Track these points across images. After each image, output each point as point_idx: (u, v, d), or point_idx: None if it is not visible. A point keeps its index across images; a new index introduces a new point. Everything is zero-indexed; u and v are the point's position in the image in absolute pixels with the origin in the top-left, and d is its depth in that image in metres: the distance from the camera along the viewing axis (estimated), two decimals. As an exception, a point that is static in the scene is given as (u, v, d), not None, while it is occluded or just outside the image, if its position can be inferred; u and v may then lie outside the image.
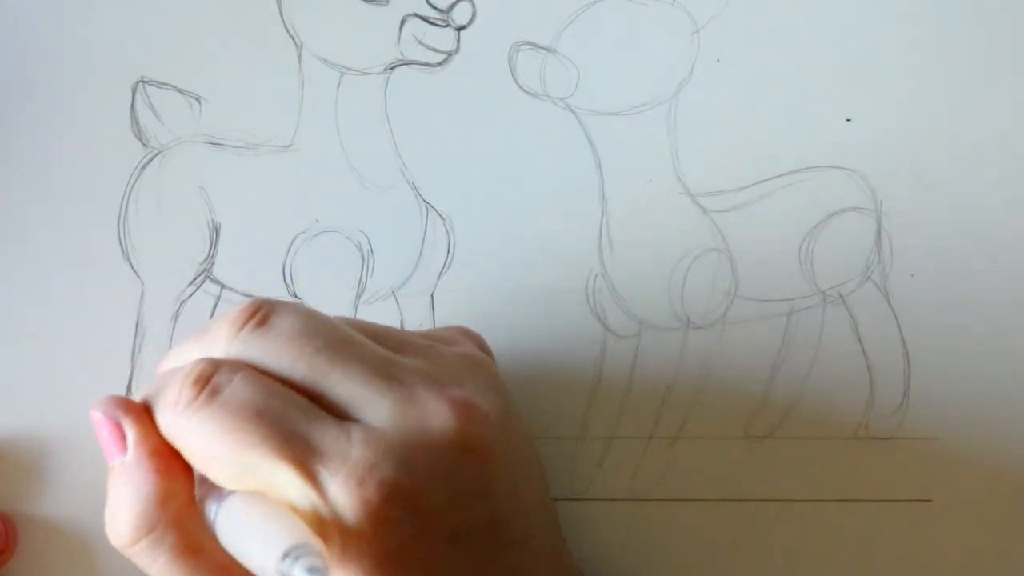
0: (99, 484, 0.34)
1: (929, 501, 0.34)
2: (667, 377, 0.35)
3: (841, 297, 0.35)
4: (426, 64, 0.36)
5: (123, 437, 0.26)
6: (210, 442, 0.25)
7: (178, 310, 0.35)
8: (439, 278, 0.35)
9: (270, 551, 0.23)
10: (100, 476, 0.34)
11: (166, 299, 0.35)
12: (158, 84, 0.36)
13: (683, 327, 0.35)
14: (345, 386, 0.26)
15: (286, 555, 0.22)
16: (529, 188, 0.35)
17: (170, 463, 0.26)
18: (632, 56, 0.36)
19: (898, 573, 0.34)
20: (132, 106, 0.36)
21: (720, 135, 0.35)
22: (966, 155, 0.35)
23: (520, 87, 0.36)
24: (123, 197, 0.35)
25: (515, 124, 0.36)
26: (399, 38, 0.35)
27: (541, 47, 0.35)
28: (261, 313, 0.26)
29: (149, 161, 0.35)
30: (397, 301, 0.35)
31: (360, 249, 0.35)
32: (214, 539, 0.25)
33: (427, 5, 0.35)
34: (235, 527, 0.25)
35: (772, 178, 0.35)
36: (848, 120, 0.35)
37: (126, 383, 0.35)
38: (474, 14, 0.36)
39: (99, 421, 0.27)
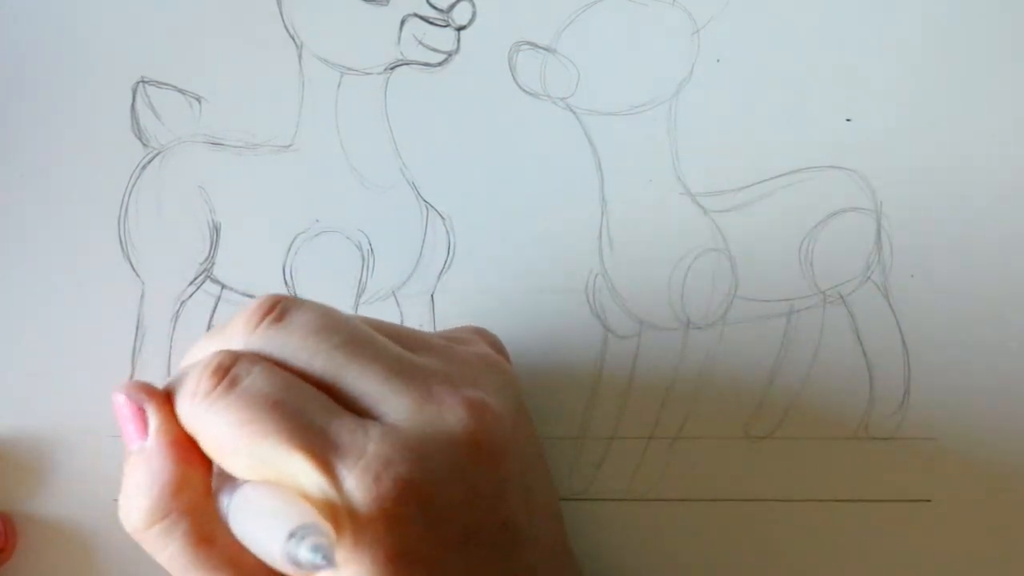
0: (99, 484, 0.35)
1: (929, 501, 0.34)
2: (667, 377, 0.35)
3: (841, 297, 0.35)
4: (426, 64, 0.36)
5: (145, 422, 0.26)
6: (227, 432, 0.25)
7: (178, 310, 0.35)
8: (439, 278, 0.35)
9: (276, 532, 0.23)
10: (100, 476, 0.35)
11: (166, 299, 0.35)
12: (158, 84, 0.36)
13: (683, 327, 0.35)
14: (362, 383, 0.26)
15: (292, 535, 0.23)
16: (529, 188, 0.35)
17: (189, 452, 0.26)
18: (632, 56, 0.36)
19: (898, 573, 0.34)
20: (132, 106, 0.36)
21: (720, 135, 0.35)
22: (966, 155, 0.35)
23: (520, 87, 0.36)
24: (123, 197, 0.35)
25: (515, 124, 0.36)
26: (399, 38, 0.35)
27: (541, 47, 0.35)
28: (279, 308, 0.27)
29: (149, 161, 0.35)
30: (397, 301, 0.35)
31: (360, 249, 0.35)
32: (227, 531, 0.25)
33: (427, 5, 0.35)
34: (245, 514, 0.25)
35: (772, 178, 0.35)
36: (848, 120, 0.35)
37: (126, 383, 0.35)
38: (474, 14, 0.36)
39: (122, 405, 0.27)
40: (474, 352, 0.29)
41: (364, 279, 0.35)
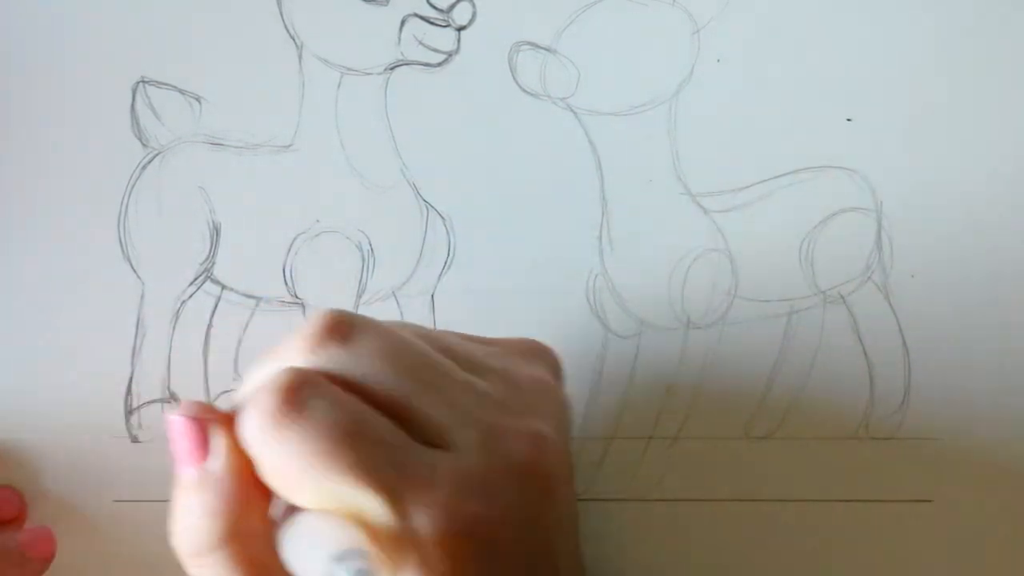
0: (99, 484, 0.35)
1: (929, 501, 0.34)
2: (667, 377, 0.35)
3: (841, 297, 0.35)
4: (426, 64, 0.36)
5: (206, 444, 0.25)
6: (295, 462, 0.24)
7: (178, 310, 0.35)
8: (439, 278, 0.35)
9: (321, 555, 0.23)
10: (100, 476, 0.35)
11: (166, 299, 0.35)
12: (158, 84, 0.36)
13: (683, 327, 0.35)
14: (430, 411, 0.25)
15: (336, 559, 0.22)
16: (529, 188, 0.35)
17: (254, 477, 0.25)
18: (632, 56, 0.36)
19: (898, 573, 0.34)
20: (132, 106, 0.36)
21: (720, 135, 0.35)
22: (966, 155, 0.35)
23: (520, 87, 0.36)
24: (123, 197, 0.35)
25: (515, 124, 0.36)
26: (399, 38, 0.35)
27: (541, 47, 0.35)
28: (343, 327, 0.26)
29: (149, 161, 0.35)
30: (397, 301, 0.35)
31: (360, 249, 0.35)
32: (279, 560, 0.25)
33: (427, 5, 0.35)
34: (294, 539, 0.24)
35: (772, 178, 0.35)
36: (848, 120, 0.35)
37: (126, 383, 0.35)
38: (474, 14, 0.36)
39: (182, 424, 0.25)
40: (529, 375, 0.29)
41: (364, 279, 0.35)
